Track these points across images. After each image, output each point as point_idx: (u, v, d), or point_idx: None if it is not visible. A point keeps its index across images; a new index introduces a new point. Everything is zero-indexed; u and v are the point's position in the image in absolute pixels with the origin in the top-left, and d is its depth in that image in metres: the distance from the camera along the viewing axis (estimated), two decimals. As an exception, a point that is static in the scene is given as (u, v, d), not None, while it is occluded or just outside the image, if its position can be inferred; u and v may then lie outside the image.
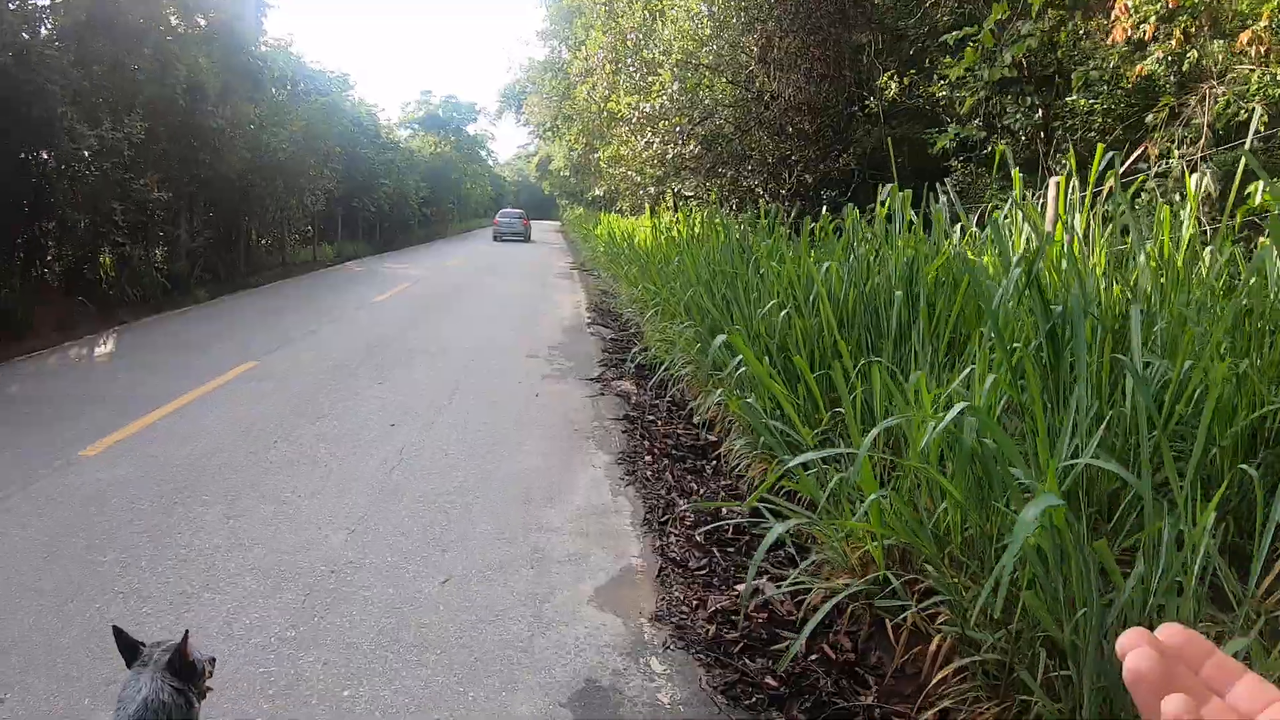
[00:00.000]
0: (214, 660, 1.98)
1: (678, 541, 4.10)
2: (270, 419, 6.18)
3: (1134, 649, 0.43)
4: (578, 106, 19.32)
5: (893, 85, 12.09)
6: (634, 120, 11.67)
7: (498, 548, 3.98)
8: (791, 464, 2.60)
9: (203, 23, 16.04)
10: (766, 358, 5.09)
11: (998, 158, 6.06)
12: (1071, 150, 5.95)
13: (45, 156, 12.02)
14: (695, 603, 3.48)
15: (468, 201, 62.26)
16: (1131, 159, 6.08)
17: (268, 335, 9.95)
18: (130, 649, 1.78)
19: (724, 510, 4.56)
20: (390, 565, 3.74)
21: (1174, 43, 6.16)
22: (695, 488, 5.05)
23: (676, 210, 19.82)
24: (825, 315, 4.31)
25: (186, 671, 1.77)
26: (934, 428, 2.58)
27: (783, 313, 4.84)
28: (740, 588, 3.55)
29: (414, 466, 5.17)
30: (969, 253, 4.72)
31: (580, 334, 10.59)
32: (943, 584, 2.87)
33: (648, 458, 5.55)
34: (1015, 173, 5.05)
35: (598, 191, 29.10)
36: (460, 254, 28.38)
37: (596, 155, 21.41)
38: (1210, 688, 0.43)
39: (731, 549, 4.03)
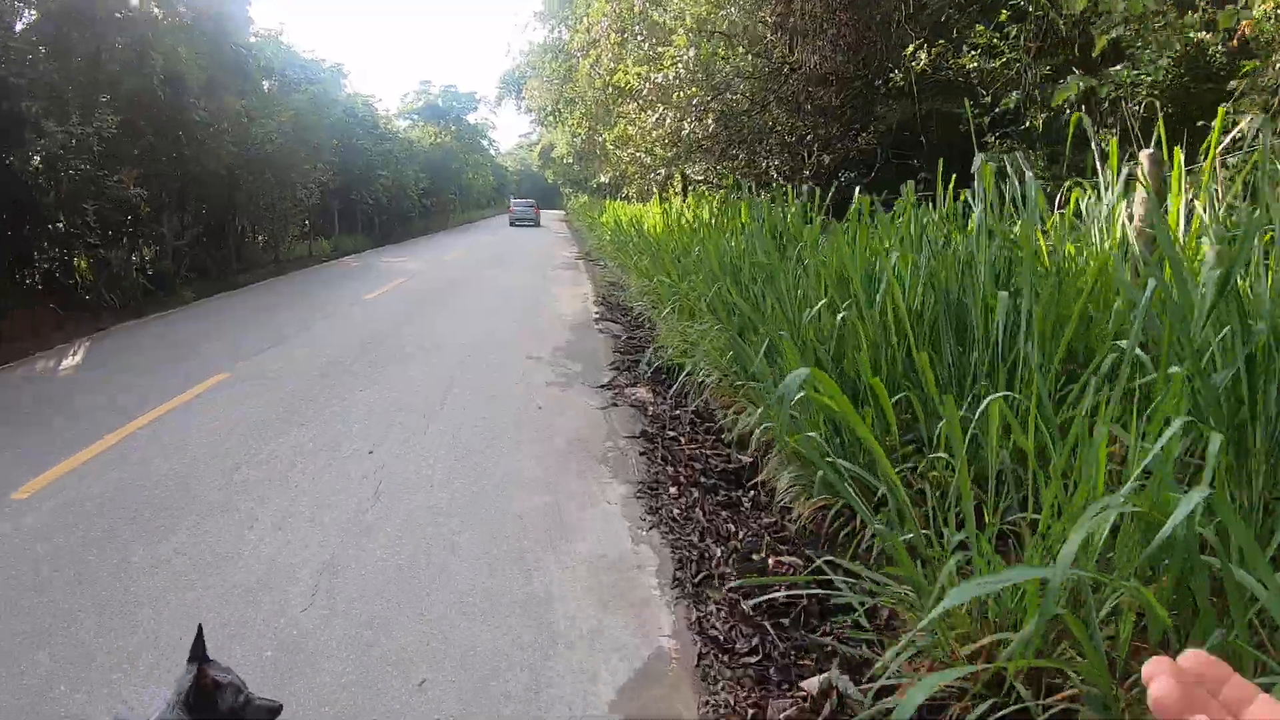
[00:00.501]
0: (277, 710, 1.68)
1: (719, 611, 3.29)
2: (249, 430, 5.43)
3: (1157, 677, 0.45)
4: (579, 88, 18.41)
5: (922, 56, 11.16)
6: (644, 93, 10.72)
7: (488, 623, 3.18)
8: (946, 604, 1.74)
9: (184, 10, 15.19)
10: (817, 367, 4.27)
11: (1073, 127, 5.16)
12: (1160, 122, 5.07)
13: (29, 154, 11.28)
14: (750, 710, 2.67)
15: (469, 192, 61.26)
16: (1238, 128, 5.19)
17: (259, 334, 9.23)
18: (196, 655, 1.63)
19: (771, 560, 3.75)
20: (351, 653, 2.94)
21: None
22: (733, 529, 4.24)
23: (686, 195, 18.94)
24: (898, 319, 3.49)
25: (201, 705, 1.59)
26: (1107, 512, 1.75)
27: (839, 315, 4.00)
28: (807, 684, 2.74)
29: (392, 505, 4.36)
30: (1068, 246, 3.89)
31: (587, 331, 9.76)
32: (1097, 702, 2.07)
33: (673, 489, 4.74)
34: (1113, 142, 4.18)
35: (602, 178, 28.23)
36: (461, 246, 27.55)
37: (601, 139, 20.50)
38: (1228, 709, 0.45)
39: (786, 619, 3.22)
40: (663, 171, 14.26)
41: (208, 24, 15.30)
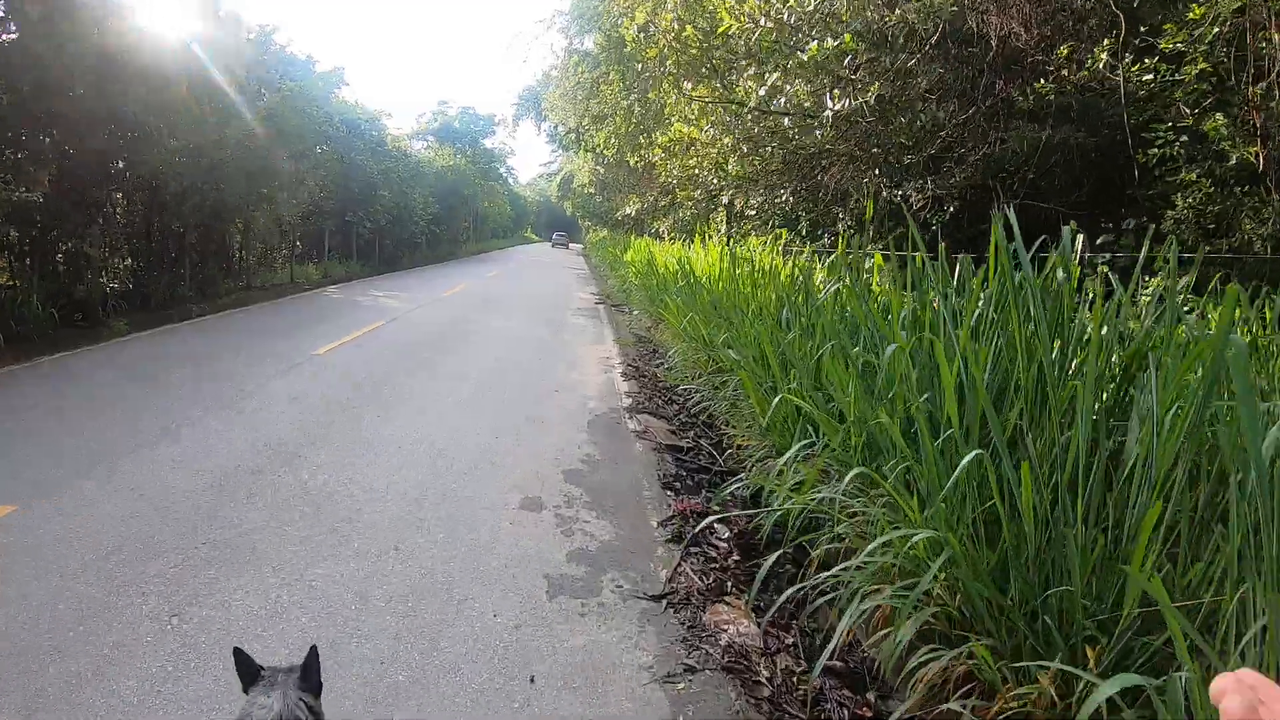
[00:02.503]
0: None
1: None
2: None
3: (1228, 693, 0.52)
4: (608, 98, 15.17)
5: (1102, 56, 7.73)
6: (753, 39, 6.98)
7: None
8: None
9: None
10: None
11: None
12: None
13: None
14: None
15: (485, 220, 58.36)
16: None
17: (118, 424, 5.86)
18: (250, 673, 1.66)
19: None
20: None
21: None
22: None
23: (730, 233, 15.66)
24: None
25: (318, 686, 1.68)
26: None
27: None
28: None
29: None
30: None
31: (617, 434, 6.35)
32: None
33: None
34: None
35: (628, 210, 25.04)
36: (466, 279, 24.31)
37: (630, 163, 17.27)
38: None
39: None
40: (729, 195, 10.53)
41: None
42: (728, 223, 15.72)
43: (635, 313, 15.73)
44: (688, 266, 9.58)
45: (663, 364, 9.39)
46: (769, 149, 7.48)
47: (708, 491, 5.07)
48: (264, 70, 17.00)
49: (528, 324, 13.42)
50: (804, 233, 13.35)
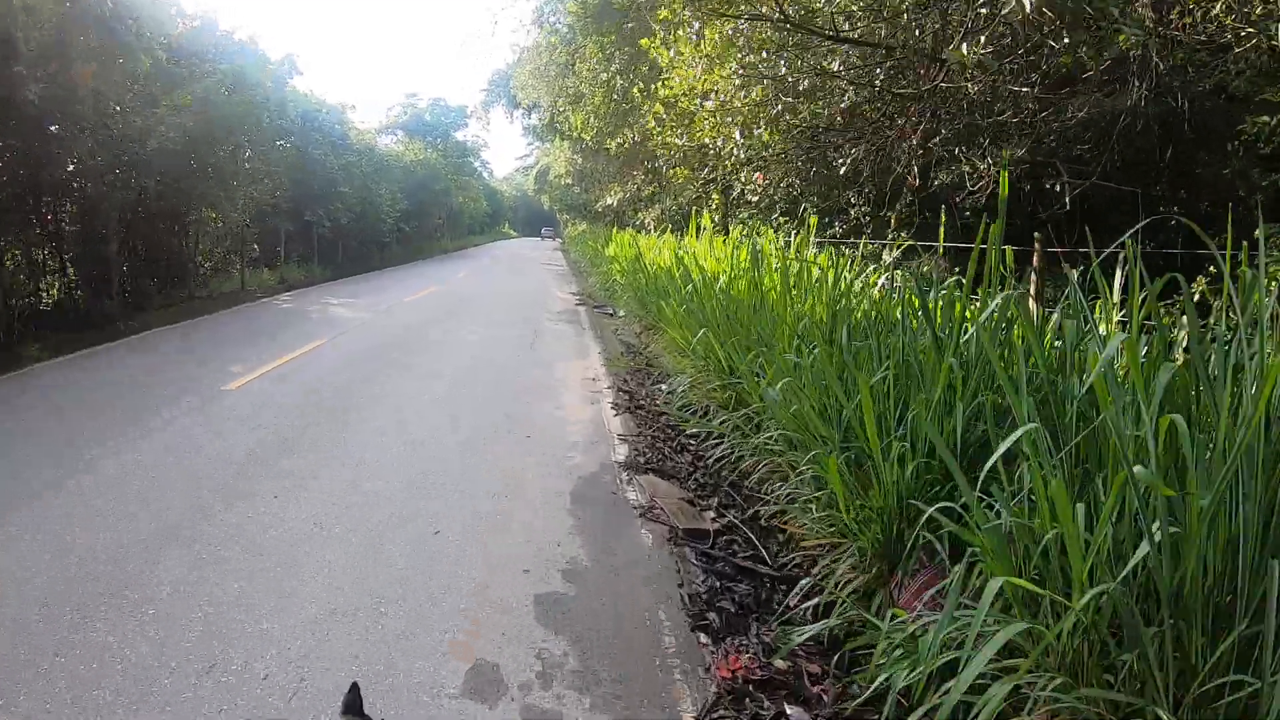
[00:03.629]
0: None
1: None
2: None
3: None
4: (584, 75, 13.31)
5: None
6: None
7: None
8: None
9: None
10: None
11: None
12: None
13: None
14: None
15: (461, 217, 56.13)
16: None
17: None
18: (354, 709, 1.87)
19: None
20: None
21: None
22: None
23: (727, 224, 13.86)
24: None
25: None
26: None
27: None
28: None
29: None
30: None
31: (613, 512, 4.54)
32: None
33: None
34: None
35: (609, 201, 23.20)
36: (435, 280, 22.40)
37: (612, 148, 15.40)
38: None
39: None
40: (750, 170, 8.44)
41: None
42: (724, 209, 13.93)
43: (621, 314, 13.94)
44: (690, 263, 7.76)
45: (661, 385, 7.61)
46: (825, 96, 5.55)
47: (758, 619, 3.30)
48: (199, 52, 14.99)
49: (499, 331, 11.57)
50: (810, 220, 11.58)
